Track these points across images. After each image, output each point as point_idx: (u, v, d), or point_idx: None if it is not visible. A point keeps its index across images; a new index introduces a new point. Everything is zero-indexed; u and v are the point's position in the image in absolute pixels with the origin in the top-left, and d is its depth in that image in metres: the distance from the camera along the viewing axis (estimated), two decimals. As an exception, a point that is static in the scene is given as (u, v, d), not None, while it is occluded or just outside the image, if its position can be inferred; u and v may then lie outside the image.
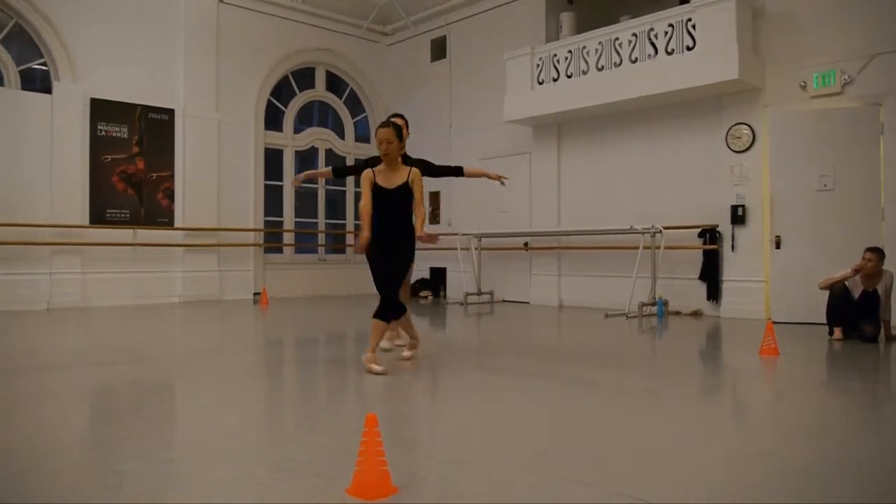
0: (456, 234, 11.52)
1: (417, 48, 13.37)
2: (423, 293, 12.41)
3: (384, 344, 5.81)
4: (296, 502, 2.32)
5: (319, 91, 13.29)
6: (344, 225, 13.51)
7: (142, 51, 10.77)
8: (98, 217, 10.21)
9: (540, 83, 10.41)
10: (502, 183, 6.23)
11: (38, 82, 10.13)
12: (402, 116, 5.77)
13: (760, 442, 3.21)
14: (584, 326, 8.03)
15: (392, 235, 5.05)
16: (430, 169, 5.84)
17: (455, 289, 12.08)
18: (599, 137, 10.28)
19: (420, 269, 12.96)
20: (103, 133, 10.31)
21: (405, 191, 5.02)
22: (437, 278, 12.65)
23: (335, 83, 13.53)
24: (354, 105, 13.82)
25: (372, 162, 5.56)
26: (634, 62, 9.22)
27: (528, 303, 11.07)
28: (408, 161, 5.56)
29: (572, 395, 4.29)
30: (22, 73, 9.94)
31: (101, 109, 10.29)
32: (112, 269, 10.35)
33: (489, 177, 6.11)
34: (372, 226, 5.00)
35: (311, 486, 2.48)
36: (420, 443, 3.06)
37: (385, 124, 4.95)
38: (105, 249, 10.25)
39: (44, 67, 10.16)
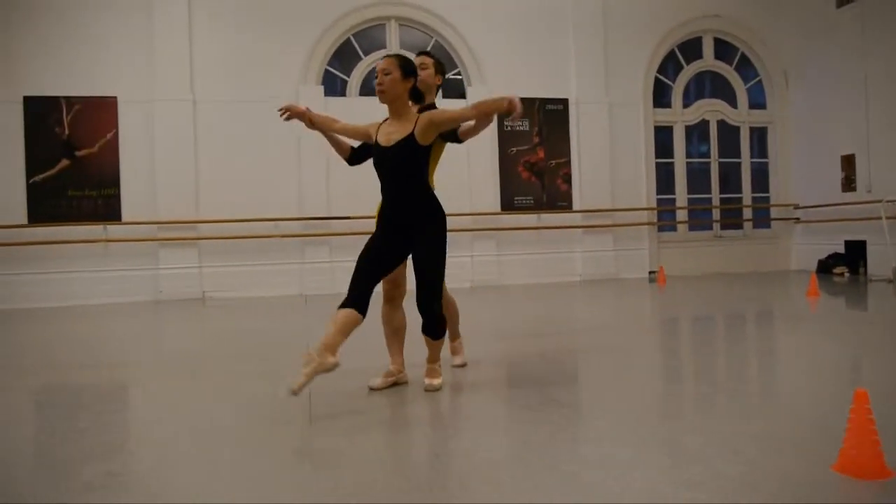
0: (879, 202, 10.12)
1: (820, -4, 11.99)
2: (837, 269, 11.16)
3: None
4: (780, 475, 2.33)
5: (707, 61, 12.76)
6: (740, 199, 12.82)
7: (536, 48, 11.58)
8: (508, 204, 11.35)
9: None
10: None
11: (443, 90, 11.59)
12: (429, 54, 4.29)
13: None
14: None
15: (400, 217, 3.70)
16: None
17: (879, 265, 10.58)
18: None
19: (834, 243, 11.66)
20: (509, 128, 11.38)
21: (409, 151, 3.62)
22: (855, 252, 11.23)
23: (723, 50, 12.86)
24: (746, 70, 12.98)
25: None
26: None
27: (982, 278, 9.22)
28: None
29: None
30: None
31: (506, 107, 11.36)
32: (520, 251, 11.39)
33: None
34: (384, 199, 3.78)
35: (793, 460, 2.46)
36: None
37: (390, 55, 3.79)
38: (514, 233, 11.33)
39: (458, 77, 11.58)
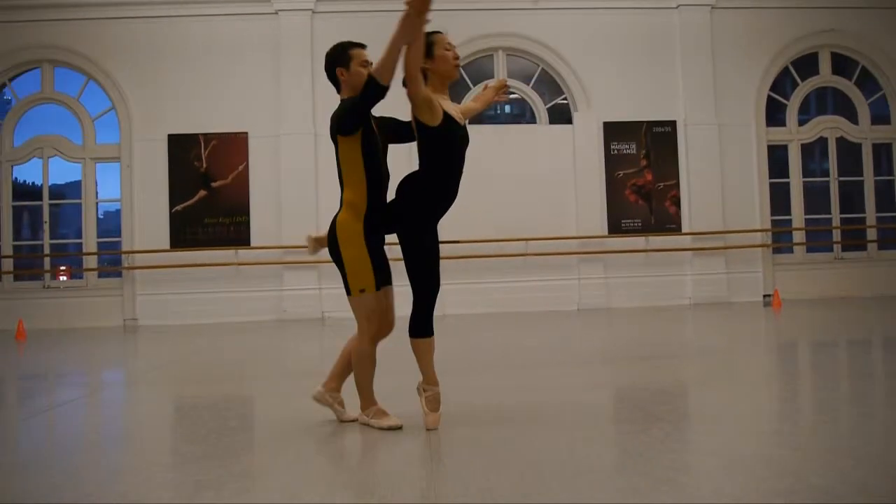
0: None
1: (950, 5, 11.40)
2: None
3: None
4: (866, 491, 2.43)
5: (824, 77, 12.36)
6: (863, 219, 12.26)
7: (643, 71, 11.64)
8: (615, 227, 11.41)
9: None
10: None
11: (549, 116, 11.84)
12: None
13: None
14: None
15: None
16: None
17: None
18: None
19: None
20: (615, 151, 11.49)
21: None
22: None
23: (842, 64, 12.41)
24: (867, 84, 12.47)
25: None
26: None
27: None
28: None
29: None
30: (549, 109, 11.77)
31: (613, 130, 11.50)
32: (628, 274, 11.39)
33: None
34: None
35: (883, 479, 2.55)
36: None
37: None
38: (622, 256, 11.35)
39: (564, 102, 11.82)
